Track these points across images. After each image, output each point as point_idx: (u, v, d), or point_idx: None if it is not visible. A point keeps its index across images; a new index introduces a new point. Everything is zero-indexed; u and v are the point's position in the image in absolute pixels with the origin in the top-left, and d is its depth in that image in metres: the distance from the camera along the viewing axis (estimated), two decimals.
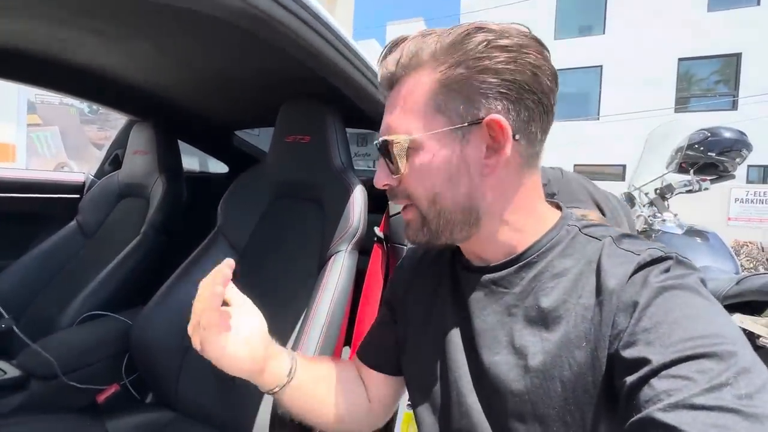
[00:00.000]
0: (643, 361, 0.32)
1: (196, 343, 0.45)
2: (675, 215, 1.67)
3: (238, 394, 0.84)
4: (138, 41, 0.90)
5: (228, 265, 0.45)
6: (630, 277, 0.36)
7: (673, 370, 0.31)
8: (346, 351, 0.92)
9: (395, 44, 0.43)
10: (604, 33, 10.77)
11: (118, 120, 1.66)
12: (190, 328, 0.45)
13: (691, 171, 1.59)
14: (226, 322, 0.45)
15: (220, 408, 0.85)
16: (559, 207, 0.48)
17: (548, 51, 0.41)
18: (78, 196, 1.51)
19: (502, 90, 0.39)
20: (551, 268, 0.41)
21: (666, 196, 1.70)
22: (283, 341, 0.85)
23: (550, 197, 0.59)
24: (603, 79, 10.74)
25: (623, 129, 9.83)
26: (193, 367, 0.90)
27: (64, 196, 1.50)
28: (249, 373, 0.48)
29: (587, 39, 10.87)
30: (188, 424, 0.85)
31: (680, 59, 10.01)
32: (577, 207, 0.58)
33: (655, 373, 0.31)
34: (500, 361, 0.41)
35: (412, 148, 0.41)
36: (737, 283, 1.15)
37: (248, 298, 0.51)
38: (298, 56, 0.71)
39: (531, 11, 10.80)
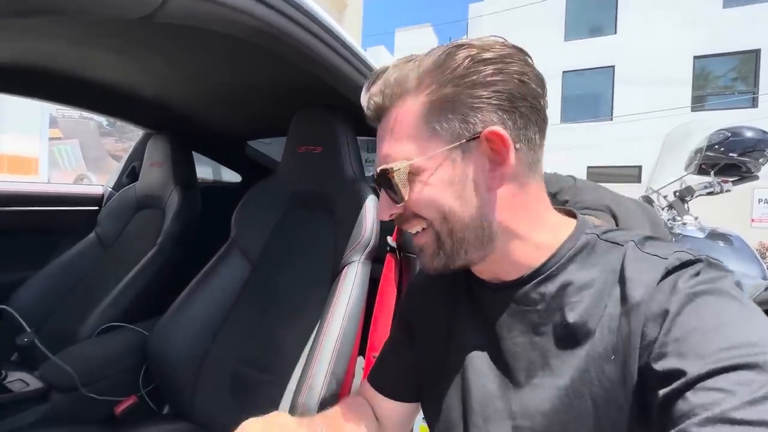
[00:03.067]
0: (677, 373, 0.30)
1: None
2: (696, 218, 1.61)
3: (254, 406, 0.84)
4: (152, 57, 0.92)
5: None
6: (658, 283, 0.35)
7: (710, 383, 0.29)
8: (360, 361, 0.91)
9: (377, 76, 0.43)
10: (615, 33, 10.62)
11: (134, 132, 1.70)
12: None
13: (712, 172, 1.54)
14: None
15: (235, 420, 0.85)
16: (572, 214, 0.46)
17: (530, 57, 0.41)
18: (97, 208, 1.54)
19: (494, 101, 0.38)
20: (575, 281, 0.40)
21: (686, 198, 1.65)
22: (297, 352, 0.86)
23: (562, 205, 0.57)
24: (615, 80, 10.58)
25: (638, 129, 9.64)
26: (209, 378, 0.90)
27: (84, 208, 1.54)
28: None
29: (599, 39, 10.74)
30: None
31: (696, 57, 9.79)
32: (589, 214, 0.56)
33: (690, 385, 0.29)
34: (536, 384, 0.39)
35: (413, 173, 0.40)
36: (766, 289, 1.10)
37: None
38: (309, 68, 0.71)
39: (540, 14, 10.74)
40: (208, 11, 0.47)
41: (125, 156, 1.69)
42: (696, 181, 1.62)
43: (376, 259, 0.92)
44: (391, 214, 0.44)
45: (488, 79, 0.38)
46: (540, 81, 0.40)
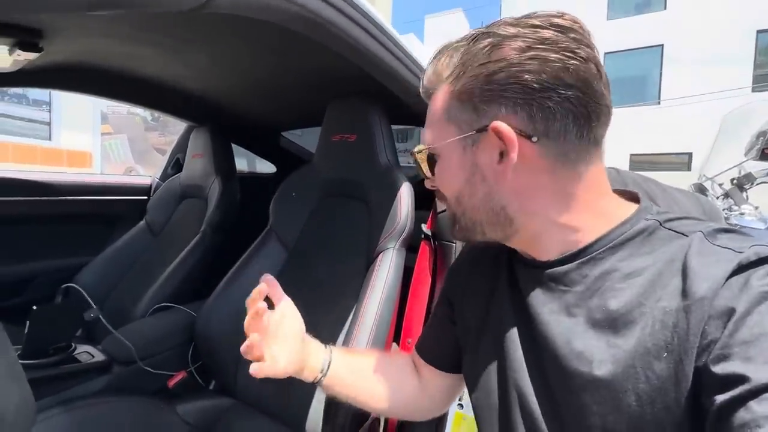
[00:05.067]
0: (740, 379, 0.28)
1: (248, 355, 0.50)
2: (756, 208, 1.49)
3: (293, 386, 0.87)
4: (193, 51, 0.96)
5: (266, 280, 0.51)
6: (727, 279, 0.32)
7: None
8: (395, 348, 0.93)
9: (435, 57, 0.45)
10: (665, 8, 9.83)
11: (176, 126, 1.78)
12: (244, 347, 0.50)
13: None
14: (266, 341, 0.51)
15: (276, 397, 0.89)
16: (636, 199, 0.44)
17: (584, 38, 0.37)
18: (146, 197, 1.65)
19: (507, 94, 0.37)
20: (622, 268, 0.38)
21: (744, 186, 1.52)
22: (332, 338, 0.88)
23: None
24: (664, 59, 9.82)
25: (688, 113, 8.94)
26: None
27: (134, 198, 1.66)
28: (291, 372, 0.53)
29: (645, 16, 9.98)
30: (247, 411, 0.90)
31: (759, 31, 8.87)
32: None
33: (755, 394, 0.27)
34: (566, 366, 0.38)
35: (433, 157, 0.46)
36: None
37: (289, 298, 0.56)
38: (345, 54, 0.71)
39: None
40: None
41: (169, 149, 1.78)
42: (758, 167, 1.49)
43: (411, 248, 0.93)
44: (432, 186, 0.49)
45: (504, 70, 0.37)
46: (585, 71, 0.36)
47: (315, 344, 0.57)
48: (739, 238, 0.35)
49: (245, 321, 0.50)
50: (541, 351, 0.41)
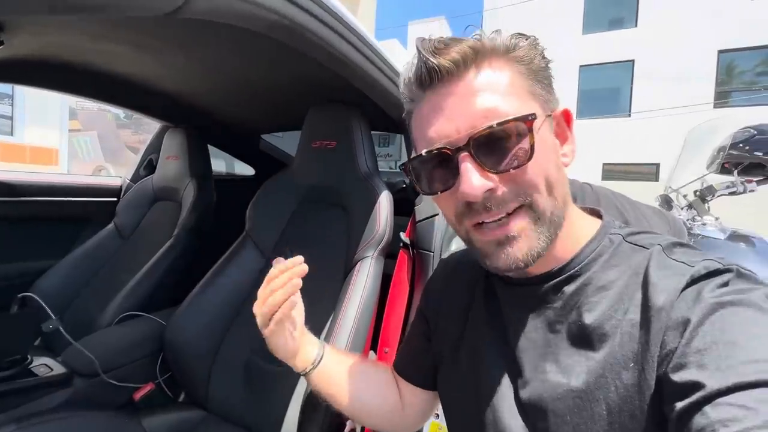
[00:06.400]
0: (696, 386, 0.29)
1: (268, 330, 0.50)
2: (716, 219, 1.57)
3: (267, 397, 0.86)
4: (171, 52, 0.93)
5: (299, 261, 0.51)
6: (681, 291, 0.33)
7: (732, 398, 0.27)
8: (372, 356, 0.92)
9: (441, 43, 0.38)
10: (636, 26, 10.31)
11: (150, 124, 1.72)
12: (264, 316, 0.50)
13: (735, 172, 1.50)
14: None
15: (249, 409, 0.87)
16: (598, 214, 0.45)
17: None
18: (115, 199, 1.58)
19: (547, 82, 0.40)
20: (594, 281, 0.39)
21: (706, 198, 1.60)
22: None
23: None
24: (635, 74, 10.29)
25: (656, 126, 9.38)
26: (223, 368, 0.92)
27: (103, 199, 1.58)
28: (286, 355, 0.54)
29: (618, 32, 10.44)
30: (219, 423, 0.87)
31: (720, 51, 9.45)
32: None
33: (709, 399, 0.28)
34: (546, 380, 0.39)
35: (533, 132, 0.36)
36: None
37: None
38: (326, 63, 0.71)
39: (557, 5, 10.48)
40: (230, 6, 0.47)
41: (142, 148, 1.71)
42: (718, 180, 1.57)
43: (389, 255, 0.92)
44: (488, 190, 0.37)
45: (544, 60, 0.39)
46: None
47: (311, 336, 0.57)
48: (691, 252, 0.37)
49: (271, 296, 0.49)
50: (520, 365, 0.42)
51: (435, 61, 0.36)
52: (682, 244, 0.38)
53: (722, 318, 0.31)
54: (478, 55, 0.36)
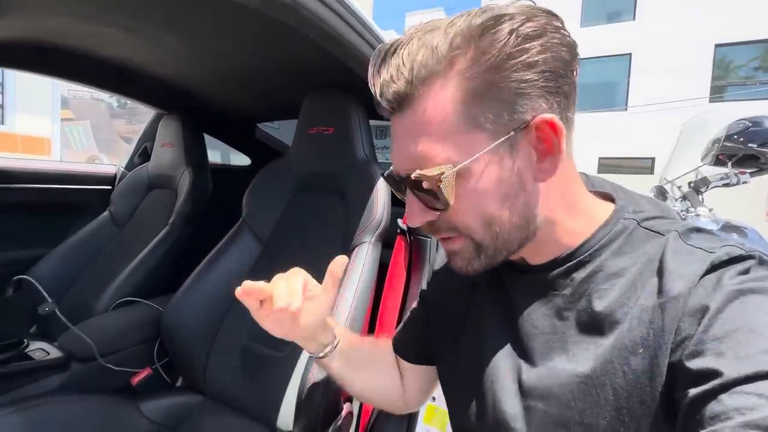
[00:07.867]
0: (712, 374, 0.28)
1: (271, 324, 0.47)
2: (710, 210, 1.59)
3: (265, 382, 0.86)
4: (165, 35, 0.92)
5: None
6: (701, 278, 0.32)
7: (749, 387, 0.27)
8: None
9: (392, 52, 0.35)
10: (634, 19, 10.28)
11: (144, 114, 1.70)
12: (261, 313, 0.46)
13: (729, 163, 1.51)
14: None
15: (246, 394, 0.87)
16: (611, 198, 0.44)
17: (560, 19, 0.36)
18: (110, 187, 1.56)
19: (541, 83, 0.34)
20: (606, 268, 0.38)
21: (701, 189, 1.62)
22: None
23: None
24: (632, 68, 10.28)
25: (652, 120, 9.41)
26: (221, 354, 0.92)
27: (97, 187, 1.57)
28: (304, 334, 0.50)
29: (616, 26, 10.41)
30: (216, 407, 0.88)
31: (717, 45, 9.46)
32: None
33: (726, 387, 0.28)
34: (551, 367, 0.39)
35: (460, 176, 0.35)
36: None
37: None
38: (323, 43, 0.70)
39: None
40: None
41: (136, 137, 1.70)
42: (712, 172, 1.58)
43: (387, 244, 0.93)
44: (425, 222, 0.39)
45: (534, 58, 0.33)
46: (575, 50, 0.36)
47: (332, 321, 0.55)
48: (710, 238, 0.36)
49: (290, 285, 0.46)
50: (525, 351, 0.41)
51: (378, 99, 0.37)
52: (699, 230, 0.37)
53: (742, 306, 0.30)
54: (421, 82, 0.34)
